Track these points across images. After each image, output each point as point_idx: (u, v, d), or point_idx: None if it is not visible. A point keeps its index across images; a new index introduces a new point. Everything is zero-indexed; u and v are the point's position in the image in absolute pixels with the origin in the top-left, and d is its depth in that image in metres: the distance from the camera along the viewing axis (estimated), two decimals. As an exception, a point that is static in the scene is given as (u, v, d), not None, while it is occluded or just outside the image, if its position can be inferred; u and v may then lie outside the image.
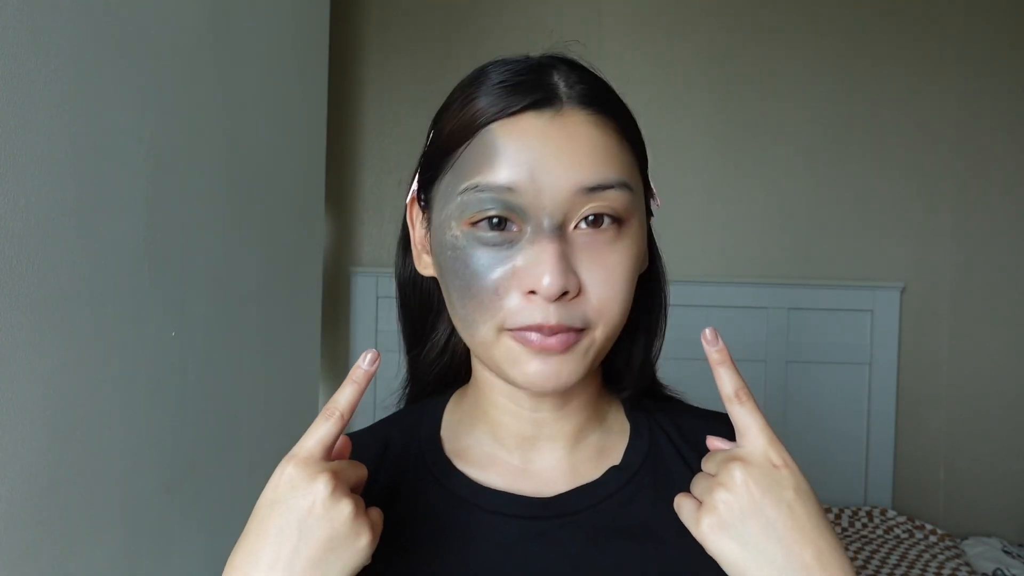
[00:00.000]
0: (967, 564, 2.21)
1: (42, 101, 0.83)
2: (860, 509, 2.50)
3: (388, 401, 0.73)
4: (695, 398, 0.72)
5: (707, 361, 0.58)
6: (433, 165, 0.60)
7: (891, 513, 2.48)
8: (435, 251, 0.60)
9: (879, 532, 2.41)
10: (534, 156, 0.54)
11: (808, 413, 2.62)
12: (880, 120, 2.66)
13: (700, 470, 0.60)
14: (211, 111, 1.20)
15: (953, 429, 2.65)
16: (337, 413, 0.55)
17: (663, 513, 0.62)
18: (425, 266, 0.64)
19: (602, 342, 0.58)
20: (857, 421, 2.64)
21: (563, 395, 0.63)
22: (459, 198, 0.56)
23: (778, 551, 0.53)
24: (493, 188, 0.54)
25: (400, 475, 0.65)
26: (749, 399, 0.57)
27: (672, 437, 0.67)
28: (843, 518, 2.46)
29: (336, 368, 2.68)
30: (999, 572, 2.19)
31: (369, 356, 0.57)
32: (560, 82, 0.57)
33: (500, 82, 0.57)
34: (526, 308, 0.55)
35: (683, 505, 0.58)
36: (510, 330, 0.56)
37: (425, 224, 0.62)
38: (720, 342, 0.58)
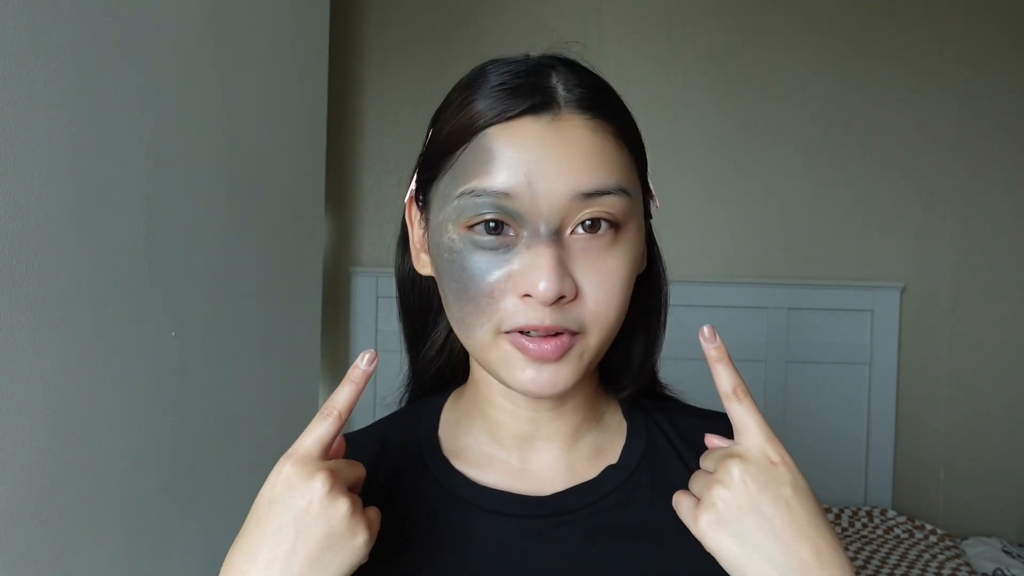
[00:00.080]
0: (967, 564, 2.21)
1: (42, 101, 0.83)
2: (860, 509, 2.50)
3: (389, 399, 0.74)
4: (695, 398, 0.72)
5: (707, 360, 0.58)
6: (431, 166, 0.60)
7: (891, 513, 2.48)
8: (432, 252, 0.60)
9: (879, 532, 2.41)
10: (531, 162, 0.54)
11: (808, 413, 2.62)
12: (880, 120, 2.66)
13: (697, 469, 0.60)
14: (211, 111, 1.20)
15: (953, 429, 2.65)
16: (335, 412, 0.55)
17: (660, 512, 0.62)
18: (423, 265, 0.64)
19: (597, 346, 0.58)
20: (857, 421, 2.64)
21: (560, 396, 0.63)
22: (456, 201, 0.56)
23: (776, 548, 0.53)
24: (490, 193, 0.54)
25: (398, 474, 0.65)
26: (747, 396, 0.57)
27: (669, 436, 0.67)
28: (843, 518, 2.46)
29: (336, 368, 2.68)
30: (999, 572, 2.19)
31: (367, 356, 0.57)
32: (559, 85, 0.57)
33: (498, 84, 0.57)
34: (522, 310, 0.55)
35: (681, 502, 0.58)
36: (506, 332, 0.56)
37: (423, 224, 0.62)
38: (718, 339, 0.58)
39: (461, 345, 0.69)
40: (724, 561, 0.54)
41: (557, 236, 0.55)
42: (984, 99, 2.65)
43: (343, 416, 0.56)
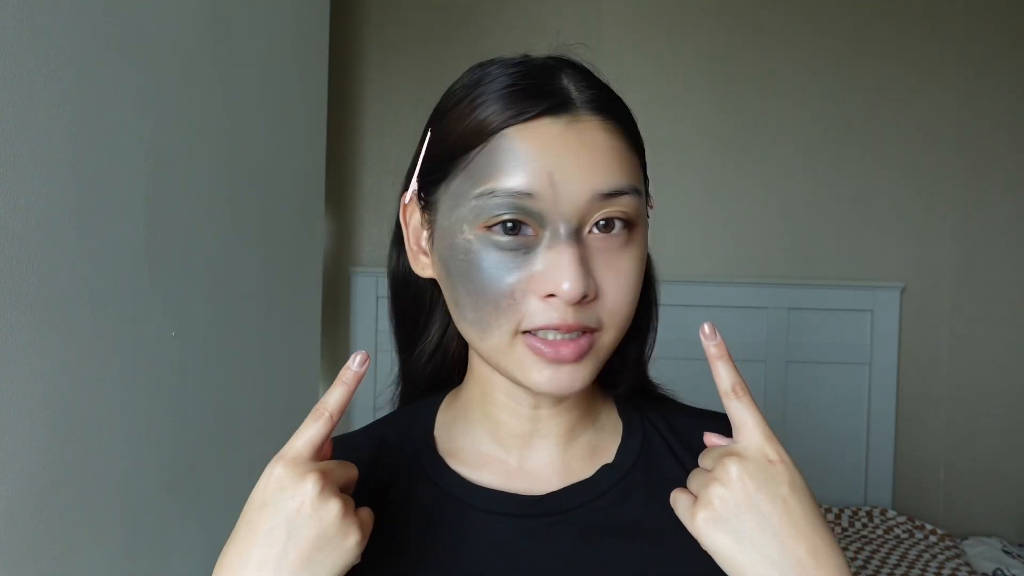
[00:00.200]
0: (967, 564, 2.21)
1: (42, 101, 0.83)
2: (860, 509, 2.50)
3: (381, 400, 0.74)
4: (696, 398, 0.72)
5: (707, 358, 0.58)
6: (439, 167, 0.59)
7: (891, 513, 2.48)
8: (441, 254, 0.59)
9: (879, 532, 2.41)
10: (552, 162, 0.54)
11: (808, 413, 2.62)
12: (880, 120, 2.66)
13: (693, 468, 0.60)
14: (211, 111, 1.20)
15: (953, 429, 2.65)
16: (327, 414, 0.55)
17: (656, 511, 0.62)
18: (423, 267, 0.64)
19: (610, 344, 0.58)
20: (857, 421, 2.64)
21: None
22: (473, 202, 0.56)
23: (773, 546, 0.53)
24: (511, 193, 0.54)
25: (394, 474, 0.65)
26: (746, 394, 0.57)
27: (665, 435, 0.67)
28: (843, 518, 2.46)
29: (336, 368, 2.68)
30: (999, 572, 2.19)
31: (359, 358, 0.57)
32: (571, 86, 0.57)
33: (510, 85, 0.57)
34: (543, 310, 0.55)
35: (679, 500, 0.58)
36: (526, 332, 0.56)
37: (427, 225, 0.62)
38: (718, 336, 0.58)
39: (456, 347, 0.69)
40: (721, 559, 0.54)
41: (577, 236, 0.55)
42: (984, 99, 2.65)
43: (335, 417, 0.56)
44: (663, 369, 0.72)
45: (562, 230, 0.55)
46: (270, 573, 0.52)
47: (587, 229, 0.56)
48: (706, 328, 0.58)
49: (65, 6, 0.86)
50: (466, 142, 0.57)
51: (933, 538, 2.37)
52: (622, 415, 0.68)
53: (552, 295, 0.55)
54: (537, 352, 0.56)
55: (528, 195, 0.54)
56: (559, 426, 0.65)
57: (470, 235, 0.56)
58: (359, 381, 0.57)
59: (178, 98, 1.10)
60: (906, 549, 2.28)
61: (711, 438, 0.60)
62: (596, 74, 0.61)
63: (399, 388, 0.73)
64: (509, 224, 0.55)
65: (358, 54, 2.74)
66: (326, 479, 0.53)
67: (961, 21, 2.65)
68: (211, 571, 0.54)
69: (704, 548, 0.55)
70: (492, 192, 0.55)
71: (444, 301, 0.68)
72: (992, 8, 2.64)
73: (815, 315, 2.64)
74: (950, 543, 2.35)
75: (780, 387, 2.62)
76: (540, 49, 0.63)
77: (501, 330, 0.56)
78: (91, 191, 0.91)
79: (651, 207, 0.65)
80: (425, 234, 0.63)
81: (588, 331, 0.56)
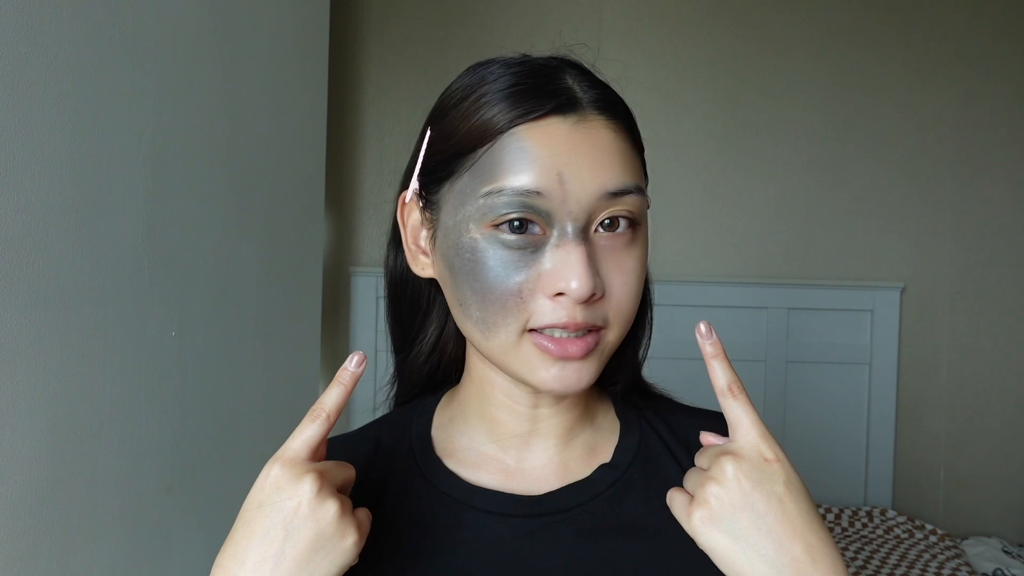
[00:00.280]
0: (967, 564, 2.21)
1: (42, 101, 0.83)
2: (860, 509, 2.50)
3: (380, 397, 0.74)
4: (698, 398, 0.72)
5: (703, 356, 0.58)
6: (443, 166, 0.59)
7: (891, 513, 2.48)
8: (445, 253, 0.59)
9: (879, 532, 2.41)
10: (562, 161, 0.55)
11: (808, 413, 2.62)
12: (880, 120, 2.66)
13: (690, 467, 0.60)
14: (211, 111, 1.20)
15: (953, 429, 2.65)
16: (324, 414, 0.55)
17: (654, 510, 0.62)
18: (423, 267, 0.63)
19: (614, 342, 0.59)
20: (857, 421, 2.64)
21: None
22: (481, 200, 0.56)
23: (769, 545, 0.53)
24: (520, 192, 0.54)
25: (391, 475, 0.65)
26: (742, 393, 0.57)
27: (662, 434, 0.67)
28: (843, 518, 2.46)
29: (336, 368, 2.67)
30: (999, 572, 2.19)
31: (356, 358, 0.57)
32: (576, 86, 0.58)
33: (516, 84, 0.57)
34: (551, 308, 0.55)
35: (675, 499, 0.58)
36: (533, 330, 0.56)
37: (428, 224, 0.61)
38: (714, 335, 0.58)
39: (453, 348, 0.69)
40: (717, 558, 0.54)
41: (584, 235, 0.56)
42: (984, 99, 2.65)
43: (332, 418, 0.56)
44: (664, 369, 0.72)
45: (569, 229, 0.55)
46: (267, 574, 0.52)
47: (593, 228, 0.56)
48: (702, 327, 0.58)
49: (65, 6, 0.86)
50: (472, 141, 0.57)
51: (933, 538, 2.37)
52: (619, 414, 0.68)
53: (560, 294, 0.55)
54: (544, 350, 0.56)
55: (537, 193, 0.54)
56: (558, 426, 0.65)
57: (476, 234, 0.56)
58: (356, 382, 0.57)
59: (178, 98, 1.10)
60: (906, 549, 2.28)
61: (707, 437, 0.61)
62: (597, 74, 0.61)
63: (395, 388, 0.73)
64: (516, 223, 0.55)
65: (358, 54, 2.74)
66: (323, 480, 0.53)
67: (961, 21, 2.65)
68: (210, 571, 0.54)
69: (700, 547, 0.55)
70: (500, 190, 0.55)
71: (442, 301, 0.68)
72: (992, 8, 2.64)
73: (815, 315, 2.64)
74: (950, 543, 2.35)
75: (780, 387, 2.62)
76: (541, 49, 0.63)
77: (508, 329, 0.56)
78: (91, 191, 0.91)
79: (647, 207, 0.65)
80: (424, 233, 0.62)
81: (594, 329, 0.56)
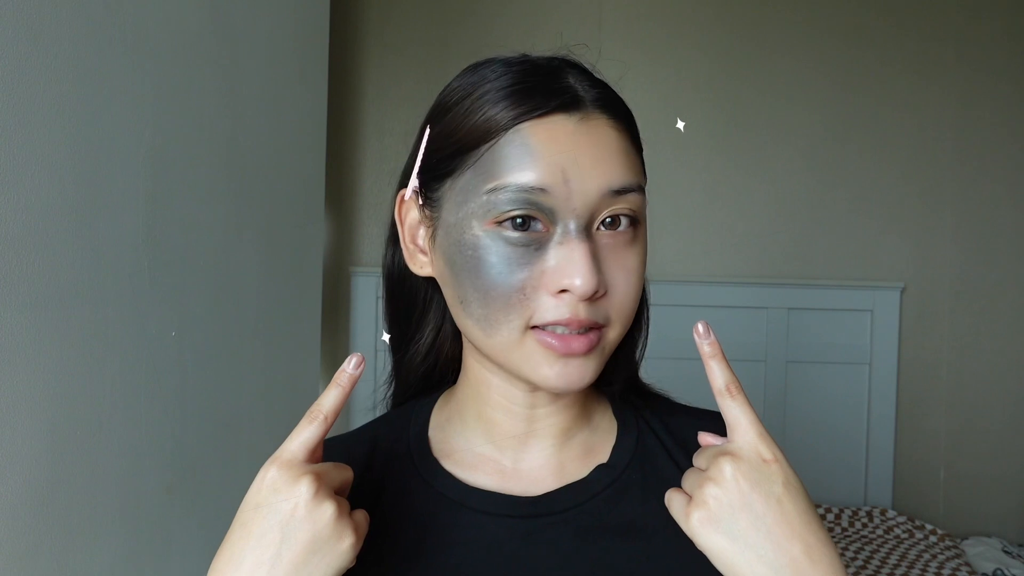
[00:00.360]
0: (967, 564, 2.21)
1: (42, 101, 0.83)
2: (860, 509, 2.50)
3: (376, 397, 0.73)
4: (697, 399, 0.72)
5: (701, 357, 0.58)
6: (444, 163, 0.59)
7: (891, 513, 2.48)
8: (446, 250, 0.59)
9: (879, 532, 2.41)
10: (566, 158, 0.55)
11: (808, 413, 2.62)
12: (880, 120, 2.66)
13: (688, 467, 0.60)
14: (211, 111, 1.20)
15: (953, 429, 2.65)
16: (321, 416, 0.55)
17: (651, 510, 0.62)
18: (421, 265, 0.63)
19: (615, 340, 0.59)
20: (857, 421, 2.64)
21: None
22: (484, 197, 0.56)
23: (767, 545, 0.53)
24: (524, 188, 0.54)
25: (388, 476, 0.65)
26: (740, 393, 0.57)
27: (659, 434, 0.67)
28: (843, 518, 2.46)
29: (336, 368, 2.68)
30: (999, 572, 2.19)
31: (354, 360, 0.57)
32: (578, 85, 0.58)
33: (519, 81, 0.57)
34: (555, 306, 0.55)
35: (673, 500, 0.58)
36: (536, 327, 0.56)
37: (428, 222, 0.61)
38: (712, 335, 0.58)
39: (450, 348, 0.69)
40: (715, 559, 0.54)
41: (587, 232, 0.56)
42: (984, 99, 2.65)
43: (329, 420, 0.56)
44: (664, 369, 0.72)
45: (572, 226, 0.55)
46: None
47: (595, 226, 0.56)
48: (699, 327, 0.58)
49: (65, 6, 0.86)
50: (475, 137, 0.57)
51: (933, 538, 2.37)
52: (616, 414, 0.68)
53: (564, 291, 0.55)
54: (548, 346, 0.56)
55: (541, 190, 0.54)
56: (555, 426, 0.64)
57: (479, 231, 0.56)
58: (354, 384, 0.57)
59: (178, 98, 1.10)
60: (906, 549, 2.28)
61: (705, 437, 0.60)
62: (596, 75, 0.61)
63: (391, 388, 0.73)
64: (519, 220, 0.55)
65: (358, 54, 2.74)
66: (320, 481, 0.53)
67: (961, 21, 2.65)
68: (211, 571, 0.54)
69: (699, 548, 0.55)
70: (507, 186, 0.55)
71: (439, 301, 0.68)
72: (992, 8, 2.64)
73: (815, 315, 2.64)
74: (950, 543, 2.35)
75: (780, 387, 2.62)
76: (541, 49, 0.63)
77: (510, 326, 0.56)
78: (91, 191, 0.91)
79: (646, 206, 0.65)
80: (423, 231, 0.62)
81: (595, 327, 0.56)
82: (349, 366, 0.57)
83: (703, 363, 0.58)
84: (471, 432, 0.65)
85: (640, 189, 0.58)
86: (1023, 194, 2.65)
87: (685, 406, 0.71)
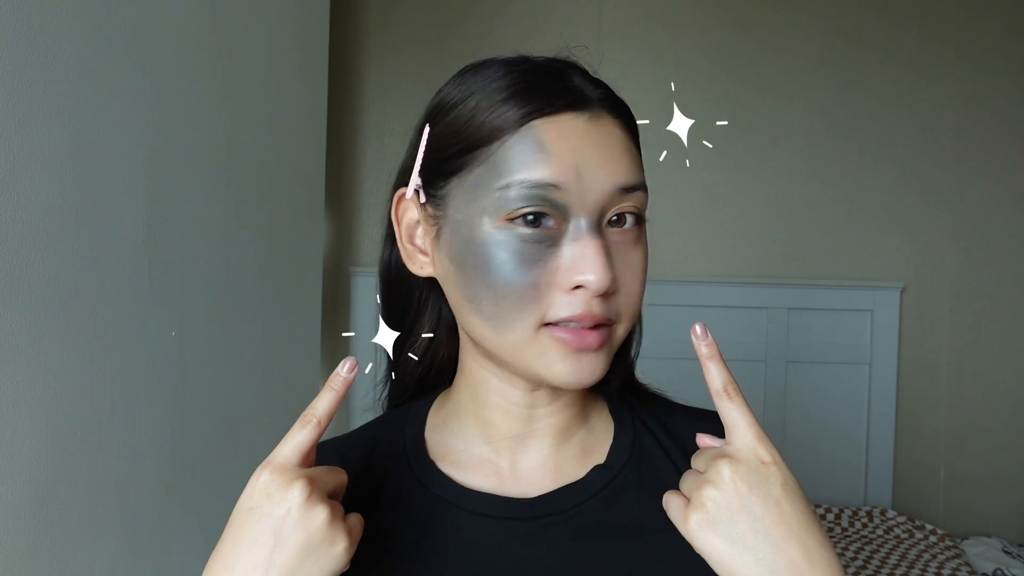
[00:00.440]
0: (967, 564, 2.21)
1: (42, 101, 0.83)
2: (860, 509, 2.50)
3: (370, 398, 0.73)
4: (698, 399, 0.71)
5: (698, 358, 0.58)
6: (450, 161, 0.58)
7: (891, 513, 2.48)
8: (453, 249, 0.58)
9: (879, 532, 2.41)
10: (579, 155, 0.55)
11: (808, 413, 2.62)
12: (880, 119, 2.66)
13: (686, 468, 0.60)
14: (211, 111, 1.20)
15: (953, 429, 2.65)
16: (314, 420, 0.55)
17: (649, 511, 0.62)
18: (421, 266, 0.62)
19: (622, 336, 0.59)
20: (857, 421, 2.64)
21: (555, 389, 0.62)
22: (496, 194, 0.55)
23: (766, 548, 0.53)
24: (538, 184, 0.54)
25: (384, 478, 0.65)
26: (738, 394, 0.57)
27: (657, 434, 0.67)
28: (843, 518, 2.46)
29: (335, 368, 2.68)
30: (999, 572, 2.19)
31: (348, 364, 0.57)
32: (583, 86, 0.58)
33: (526, 80, 0.57)
34: (569, 302, 0.55)
35: (671, 502, 0.58)
36: (550, 324, 0.56)
37: (431, 221, 0.61)
38: (709, 337, 0.58)
39: (444, 351, 0.69)
40: (714, 562, 0.54)
41: (598, 229, 0.56)
42: (984, 99, 2.65)
43: (323, 424, 0.56)
44: (665, 369, 0.71)
45: (584, 223, 0.55)
46: None
47: (604, 223, 0.57)
48: (697, 328, 0.58)
49: (65, 6, 0.86)
50: (484, 135, 0.56)
51: (933, 538, 2.37)
52: (613, 414, 0.68)
53: (578, 287, 0.55)
54: (563, 342, 0.56)
55: (555, 187, 0.54)
56: (554, 425, 0.64)
57: (490, 228, 0.56)
58: (348, 387, 0.57)
59: (178, 98, 1.10)
60: (906, 549, 2.28)
61: (703, 439, 0.60)
62: (596, 76, 0.62)
63: (387, 390, 0.73)
64: (531, 216, 0.55)
65: (358, 54, 2.74)
66: (313, 485, 0.53)
67: (961, 20, 2.65)
68: (210, 571, 0.54)
69: (697, 551, 0.55)
70: (521, 183, 0.55)
71: (433, 302, 0.67)
72: (992, 8, 2.64)
73: (815, 315, 2.64)
74: (950, 543, 2.35)
75: (780, 387, 2.62)
76: (541, 49, 0.63)
77: (523, 323, 0.56)
78: (91, 191, 0.91)
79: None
80: (422, 231, 0.62)
81: (605, 323, 0.56)
82: (343, 370, 0.57)
83: (701, 364, 0.58)
84: (468, 433, 0.65)
85: (644, 188, 0.58)
86: (1023, 194, 2.65)
87: (683, 406, 0.71)
